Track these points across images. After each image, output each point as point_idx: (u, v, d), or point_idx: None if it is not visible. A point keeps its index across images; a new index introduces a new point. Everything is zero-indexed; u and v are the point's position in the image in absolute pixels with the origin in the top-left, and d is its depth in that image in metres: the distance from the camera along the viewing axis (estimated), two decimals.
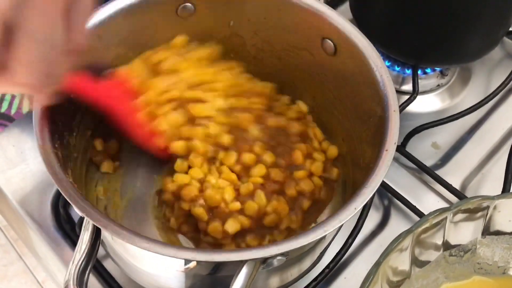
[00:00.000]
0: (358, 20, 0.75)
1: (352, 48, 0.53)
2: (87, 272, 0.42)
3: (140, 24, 0.57)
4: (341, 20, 0.54)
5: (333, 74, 0.57)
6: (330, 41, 0.55)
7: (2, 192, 0.64)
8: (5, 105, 0.83)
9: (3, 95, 0.82)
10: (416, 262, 0.49)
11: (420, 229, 0.46)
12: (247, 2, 0.58)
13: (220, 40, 0.61)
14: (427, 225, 0.46)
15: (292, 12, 0.56)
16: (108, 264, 0.58)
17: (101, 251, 0.57)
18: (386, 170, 0.44)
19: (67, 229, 0.61)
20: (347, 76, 0.55)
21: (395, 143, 0.45)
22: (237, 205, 0.54)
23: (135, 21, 0.56)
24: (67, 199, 0.42)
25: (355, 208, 0.42)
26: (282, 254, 0.41)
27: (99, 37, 0.53)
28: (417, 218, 0.63)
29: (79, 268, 0.42)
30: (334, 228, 0.41)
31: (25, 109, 0.84)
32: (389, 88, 0.49)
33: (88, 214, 0.41)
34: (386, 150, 0.45)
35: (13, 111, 0.84)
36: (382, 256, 0.43)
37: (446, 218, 0.48)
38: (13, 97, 0.83)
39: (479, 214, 0.49)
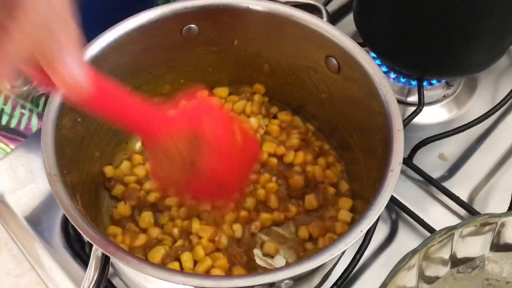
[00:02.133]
0: (362, 33, 0.75)
1: (356, 66, 0.53)
2: None
3: (146, 46, 0.57)
4: (344, 38, 0.54)
5: (337, 92, 0.57)
6: (333, 59, 0.56)
7: (12, 211, 0.65)
8: (14, 121, 0.84)
9: (12, 111, 0.83)
10: (423, 278, 0.48)
11: (426, 248, 0.46)
12: (250, 21, 0.58)
13: (225, 58, 0.62)
14: (433, 243, 0.46)
15: (295, 30, 0.57)
16: (117, 283, 0.59)
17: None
18: (392, 191, 0.44)
19: (77, 248, 0.61)
20: (351, 94, 0.55)
21: (400, 163, 0.46)
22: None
23: (141, 43, 0.57)
24: (75, 227, 0.42)
25: (361, 231, 0.42)
26: (289, 278, 0.41)
27: (105, 61, 0.54)
28: (425, 231, 0.63)
29: None
30: (341, 251, 0.41)
31: (34, 127, 0.85)
32: (393, 107, 0.49)
33: (96, 241, 0.41)
34: (392, 171, 0.45)
35: (22, 127, 0.85)
36: (388, 277, 0.43)
37: (453, 234, 0.48)
38: (22, 114, 0.84)
39: (487, 228, 0.49)
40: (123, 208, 0.58)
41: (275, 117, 0.66)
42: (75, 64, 0.35)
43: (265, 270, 0.53)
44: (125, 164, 0.61)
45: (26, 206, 0.64)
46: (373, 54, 0.74)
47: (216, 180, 0.53)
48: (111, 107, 0.44)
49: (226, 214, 0.57)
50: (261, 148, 0.61)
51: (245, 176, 0.58)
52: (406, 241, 0.63)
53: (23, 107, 0.83)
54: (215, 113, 0.53)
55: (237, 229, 0.57)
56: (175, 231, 0.56)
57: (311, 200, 0.58)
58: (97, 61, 0.53)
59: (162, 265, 0.53)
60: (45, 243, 0.62)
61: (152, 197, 0.59)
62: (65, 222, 0.63)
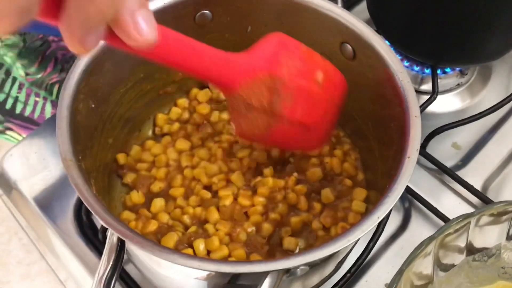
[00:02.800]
0: (375, 20, 0.74)
1: (371, 53, 0.53)
2: (113, 283, 0.43)
3: None
4: (359, 24, 0.54)
5: (352, 78, 0.57)
6: (348, 46, 0.55)
7: (25, 198, 0.65)
8: (28, 109, 0.84)
9: (27, 99, 0.83)
10: (440, 265, 0.48)
11: (442, 235, 0.46)
12: (264, 7, 0.58)
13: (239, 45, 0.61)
14: (450, 231, 0.46)
15: (309, 16, 0.56)
16: (130, 269, 0.59)
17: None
18: (409, 178, 0.44)
19: (90, 235, 0.62)
20: (366, 81, 0.55)
21: (417, 150, 0.45)
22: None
23: None
24: (92, 212, 0.42)
25: (378, 218, 0.42)
26: (305, 264, 0.41)
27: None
28: (438, 220, 0.63)
29: (105, 280, 0.43)
30: (357, 238, 0.41)
31: (48, 115, 0.85)
32: (410, 93, 0.49)
33: (112, 227, 0.41)
34: (408, 157, 0.45)
35: (36, 115, 0.85)
36: (405, 264, 0.43)
37: (469, 222, 0.48)
38: (36, 102, 0.84)
39: (504, 217, 0.49)
40: (136, 197, 0.58)
41: None
42: (146, 23, 0.36)
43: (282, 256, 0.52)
44: (137, 151, 0.61)
45: (39, 193, 0.65)
46: (386, 42, 0.73)
47: (302, 126, 0.51)
48: (186, 60, 0.45)
49: (249, 212, 0.57)
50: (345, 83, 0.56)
51: (331, 118, 0.55)
52: (419, 230, 0.63)
53: (37, 95, 0.84)
54: (293, 52, 0.51)
55: (268, 228, 0.56)
56: (185, 218, 0.56)
57: (327, 193, 0.58)
58: (110, 49, 0.52)
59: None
60: (58, 229, 0.62)
61: (156, 187, 0.58)
62: (78, 209, 0.63)
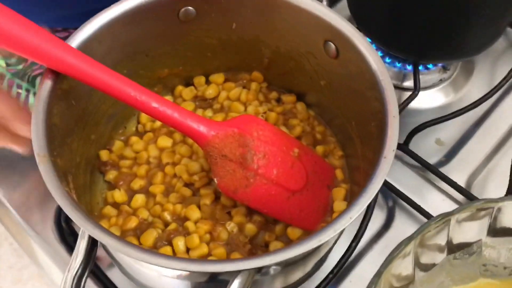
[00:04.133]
0: (356, 17, 0.74)
1: (354, 52, 0.52)
2: (84, 279, 0.43)
3: (142, 28, 0.56)
4: (342, 22, 0.53)
5: (336, 76, 0.57)
6: (332, 44, 0.55)
7: (5, 206, 0.65)
8: None
9: (9, 91, 0.82)
10: (420, 265, 0.48)
11: (421, 235, 0.46)
12: (247, 4, 0.57)
13: (224, 42, 0.61)
14: (429, 230, 0.46)
15: (293, 14, 0.56)
16: (110, 273, 0.59)
17: (106, 259, 0.58)
18: (384, 178, 0.44)
19: (70, 242, 0.61)
20: (349, 79, 0.55)
21: (393, 150, 0.45)
22: None
23: (136, 26, 0.56)
24: (62, 208, 0.42)
25: (351, 218, 0.42)
26: (276, 264, 0.41)
27: (99, 42, 0.53)
28: (422, 218, 0.63)
29: (75, 276, 0.43)
30: (329, 237, 0.41)
31: (31, 108, 0.84)
32: (390, 93, 0.48)
33: (82, 224, 0.41)
34: (385, 157, 0.45)
35: None
36: (383, 265, 0.43)
37: (449, 220, 0.48)
38: (18, 94, 0.83)
39: (483, 213, 0.49)
40: (118, 196, 0.57)
41: (278, 100, 0.65)
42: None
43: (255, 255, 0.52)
44: (119, 147, 0.61)
45: (19, 200, 0.64)
46: (368, 40, 0.73)
47: (281, 188, 0.54)
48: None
49: (232, 212, 0.56)
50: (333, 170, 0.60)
51: (320, 198, 0.57)
52: (404, 228, 0.63)
53: (19, 86, 0.83)
54: (265, 126, 0.56)
55: (251, 228, 0.55)
56: (165, 214, 0.56)
57: None
58: (91, 44, 0.52)
59: (150, 248, 0.53)
60: (39, 238, 0.62)
61: (137, 184, 0.58)
62: (58, 216, 0.63)
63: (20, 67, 0.82)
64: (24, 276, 1.38)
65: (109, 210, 0.56)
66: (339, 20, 0.53)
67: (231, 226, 0.55)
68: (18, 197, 0.65)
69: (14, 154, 0.66)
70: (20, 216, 0.63)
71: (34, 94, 0.84)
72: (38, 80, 0.84)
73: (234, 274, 0.41)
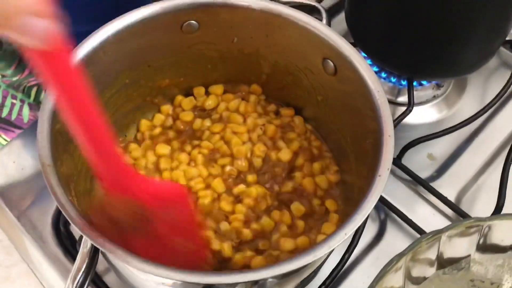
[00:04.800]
0: (353, 33, 0.75)
1: (351, 70, 0.54)
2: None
3: (146, 40, 0.58)
4: (340, 41, 0.55)
5: (333, 93, 0.58)
6: (330, 62, 0.56)
7: (3, 208, 0.65)
8: (5, 111, 0.84)
9: (3, 101, 0.83)
10: (410, 278, 0.50)
11: (412, 251, 0.47)
12: (249, 20, 0.59)
13: (225, 55, 0.63)
14: (420, 247, 0.48)
15: (294, 31, 0.57)
16: (107, 276, 0.60)
17: (103, 265, 0.59)
18: (378, 196, 0.45)
19: (68, 245, 0.62)
20: (346, 96, 0.56)
21: (388, 169, 0.46)
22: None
23: (140, 37, 0.57)
24: (66, 217, 0.43)
25: (346, 234, 0.43)
26: (273, 277, 0.42)
27: (104, 52, 0.55)
28: (413, 231, 0.64)
29: (77, 285, 0.44)
30: (324, 253, 0.42)
31: (25, 117, 0.85)
32: (386, 113, 0.50)
33: (85, 233, 0.42)
34: (379, 176, 0.46)
35: (13, 117, 0.85)
36: (375, 280, 0.44)
37: (440, 236, 0.49)
38: (13, 104, 0.84)
39: (473, 230, 0.50)
40: None
41: (277, 113, 0.66)
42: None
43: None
44: None
45: (17, 203, 0.65)
46: (363, 54, 0.74)
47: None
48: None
49: (231, 218, 0.57)
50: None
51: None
52: (395, 240, 0.64)
53: (13, 97, 0.83)
54: (179, 207, 0.51)
55: (247, 233, 0.56)
56: None
57: (298, 207, 0.58)
58: (97, 53, 0.53)
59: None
60: (36, 240, 0.63)
61: None
62: (57, 220, 0.63)
63: (15, 78, 0.82)
64: (13, 273, 1.37)
65: None
66: (338, 39, 0.55)
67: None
68: (15, 198, 0.65)
69: (11, 154, 0.67)
70: (17, 219, 0.64)
71: (29, 104, 0.85)
72: (33, 90, 0.85)
73: (231, 286, 0.42)
